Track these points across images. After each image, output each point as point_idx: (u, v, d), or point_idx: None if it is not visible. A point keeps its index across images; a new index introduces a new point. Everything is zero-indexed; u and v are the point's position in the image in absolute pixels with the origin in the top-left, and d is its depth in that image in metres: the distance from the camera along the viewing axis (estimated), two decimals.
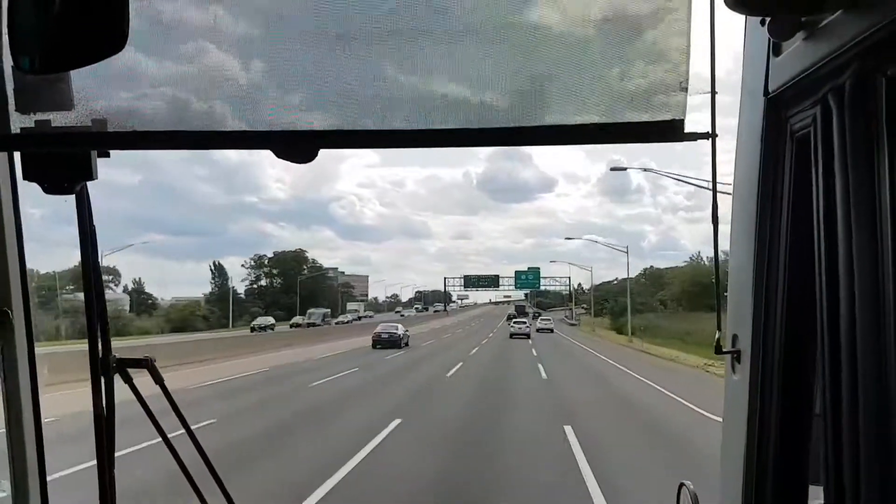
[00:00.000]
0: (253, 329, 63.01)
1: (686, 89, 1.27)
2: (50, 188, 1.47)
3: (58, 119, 1.35)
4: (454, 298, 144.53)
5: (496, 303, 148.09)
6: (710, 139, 1.31)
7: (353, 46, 1.30)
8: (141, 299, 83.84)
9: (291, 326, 69.92)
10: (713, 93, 1.34)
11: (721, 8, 1.22)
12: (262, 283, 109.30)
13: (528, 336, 55.46)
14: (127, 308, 73.37)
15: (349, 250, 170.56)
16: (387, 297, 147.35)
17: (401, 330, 42.75)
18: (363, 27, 1.29)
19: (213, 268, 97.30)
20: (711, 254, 1.68)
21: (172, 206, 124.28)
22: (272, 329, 64.09)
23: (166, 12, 1.30)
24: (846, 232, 1.09)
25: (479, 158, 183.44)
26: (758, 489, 1.46)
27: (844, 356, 1.09)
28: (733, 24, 1.41)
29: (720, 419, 1.65)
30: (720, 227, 1.41)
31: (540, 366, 29.82)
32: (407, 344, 41.69)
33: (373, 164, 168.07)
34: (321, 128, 1.34)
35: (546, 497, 9.60)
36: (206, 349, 35.03)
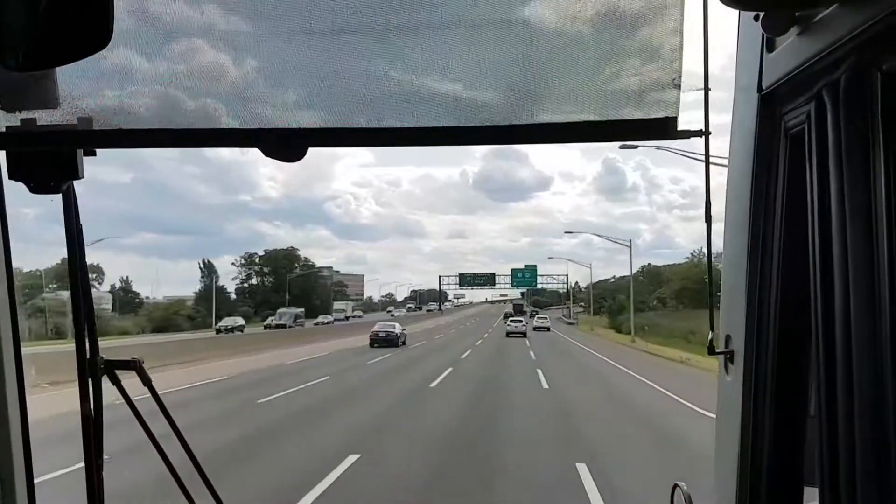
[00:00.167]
0: (218, 331, 58.86)
1: (679, 86, 1.28)
2: (36, 187, 1.47)
3: (43, 117, 1.35)
4: (450, 297, 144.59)
5: (492, 302, 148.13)
6: (704, 137, 1.32)
7: (344, 43, 1.30)
8: (128, 298, 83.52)
9: (266, 328, 64.99)
10: (706, 90, 1.34)
11: (715, 4, 1.22)
12: (253, 281, 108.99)
13: (524, 335, 55.93)
14: (109, 307, 71.73)
15: (345, 249, 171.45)
16: (382, 297, 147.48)
17: (398, 329, 43.84)
18: (354, 24, 1.29)
19: (202, 266, 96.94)
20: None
21: (165, 205, 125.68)
22: (241, 331, 60.26)
23: (153, 9, 1.30)
24: (841, 230, 1.09)
25: (475, 157, 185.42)
26: (752, 491, 1.46)
27: (839, 356, 1.09)
28: (727, 21, 1.41)
29: None
30: (714, 225, 1.42)
31: (539, 371, 26.54)
32: (404, 343, 42.60)
33: (368, 163, 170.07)
34: (311, 126, 1.34)
35: None
36: (169, 353, 29.83)
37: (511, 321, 63.24)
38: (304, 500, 8.73)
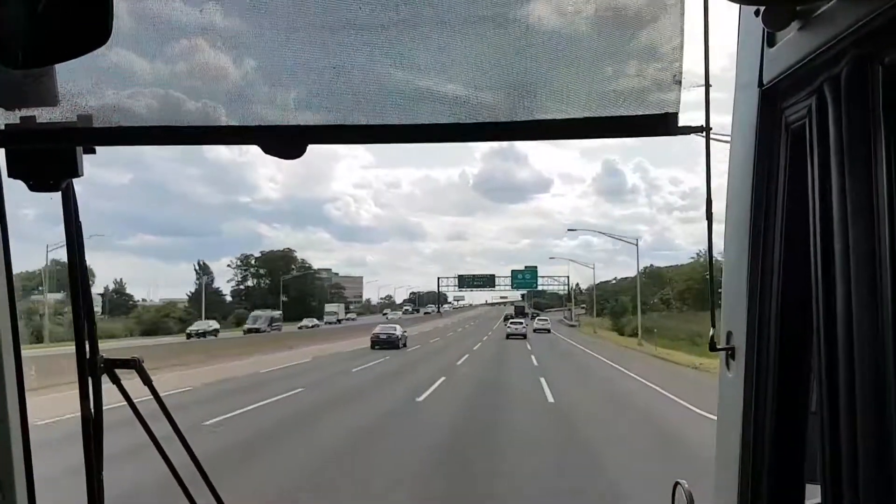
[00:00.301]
0: (189, 336, 53.80)
1: (680, 83, 1.29)
2: (35, 185, 1.47)
3: (43, 115, 1.37)
4: (450, 299, 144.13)
5: (492, 304, 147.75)
6: (704, 133, 1.33)
7: (343, 41, 1.32)
8: (121, 300, 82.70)
9: (245, 332, 60.49)
10: (707, 86, 1.36)
11: (715, 0, 1.24)
12: (249, 283, 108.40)
13: (524, 336, 55.88)
14: (99, 309, 67.48)
15: (345, 252, 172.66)
16: (381, 299, 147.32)
17: (399, 331, 44.39)
18: (353, 21, 1.30)
19: (197, 267, 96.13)
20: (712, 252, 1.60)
21: (164, 207, 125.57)
22: (215, 335, 55.39)
23: (152, 7, 1.31)
24: (842, 226, 1.10)
25: (475, 158, 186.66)
26: (753, 488, 1.47)
27: (840, 352, 1.10)
28: (728, 19, 1.45)
29: None
30: (715, 223, 1.43)
31: (543, 381, 23.34)
32: (405, 345, 43.01)
33: (368, 164, 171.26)
34: (310, 123, 1.35)
35: None
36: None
37: (511, 323, 63.59)
38: None
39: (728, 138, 1.57)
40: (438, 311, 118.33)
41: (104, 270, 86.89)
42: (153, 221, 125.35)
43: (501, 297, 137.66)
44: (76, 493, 1.67)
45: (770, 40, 1.36)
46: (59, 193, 1.52)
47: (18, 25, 1.13)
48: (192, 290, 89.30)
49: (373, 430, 14.31)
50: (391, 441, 13.17)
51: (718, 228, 1.53)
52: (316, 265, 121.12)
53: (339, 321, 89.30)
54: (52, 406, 11.51)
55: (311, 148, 1.38)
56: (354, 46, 1.31)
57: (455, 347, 43.36)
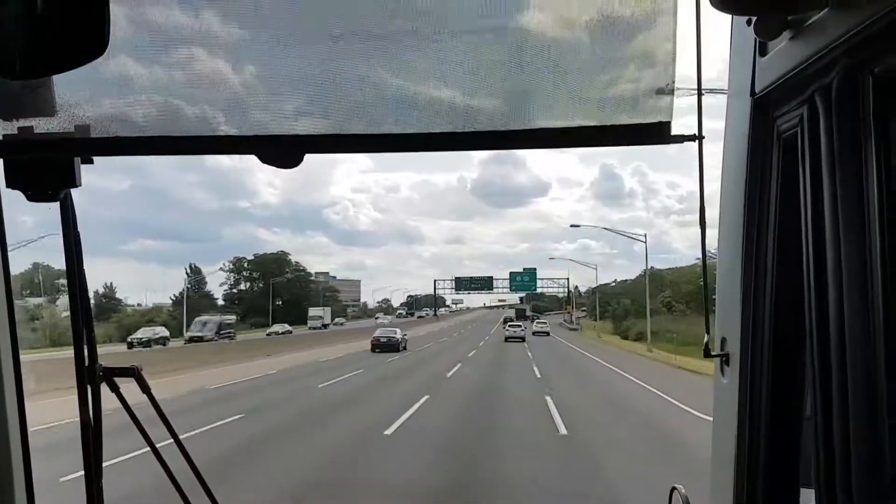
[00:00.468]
0: (130, 344, 46.03)
1: (673, 92, 1.31)
2: (34, 196, 1.49)
3: (41, 125, 1.39)
4: (448, 303, 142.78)
5: (490, 307, 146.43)
6: (697, 141, 1.35)
7: (341, 50, 1.33)
8: (109, 305, 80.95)
9: (188, 342, 50.10)
10: (699, 94, 1.38)
11: (707, 10, 1.25)
12: (242, 286, 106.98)
13: (522, 339, 55.25)
14: None
15: (344, 256, 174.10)
16: (377, 302, 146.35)
17: (399, 334, 44.17)
18: (350, 31, 1.32)
19: (188, 271, 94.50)
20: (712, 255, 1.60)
21: (164, 212, 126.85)
22: (163, 343, 48.07)
23: (150, 17, 1.33)
24: (834, 233, 1.12)
25: (473, 163, 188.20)
26: (749, 492, 1.49)
27: (834, 358, 1.11)
28: (720, 27, 1.48)
29: None
30: (708, 230, 1.44)
31: (549, 401, 18.64)
32: (405, 347, 42.80)
33: (367, 169, 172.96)
34: (308, 132, 1.38)
35: None
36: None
37: (509, 326, 63.42)
38: None
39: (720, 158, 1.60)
40: (435, 315, 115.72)
41: (104, 275, 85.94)
42: (153, 227, 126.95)
43: (500, 301, 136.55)
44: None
45: (762, 50, 1.38)
46: (58, 203, 1.54)
47: (16, 36, 1.14)
48: (175, 294, 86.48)
49: (310, 488, 9.97)
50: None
51: (713, 234, 1.56)
52: (315, 269, 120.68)
53: (324, 326, 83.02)
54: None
55: (307, 154, 1.40)
56: (352, 56, 1.34)
57: (447, 355, 39.22)
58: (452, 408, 18.32)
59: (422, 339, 52.71)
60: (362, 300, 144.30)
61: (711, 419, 1.68)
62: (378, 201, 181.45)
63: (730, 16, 1.43)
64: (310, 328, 78.36)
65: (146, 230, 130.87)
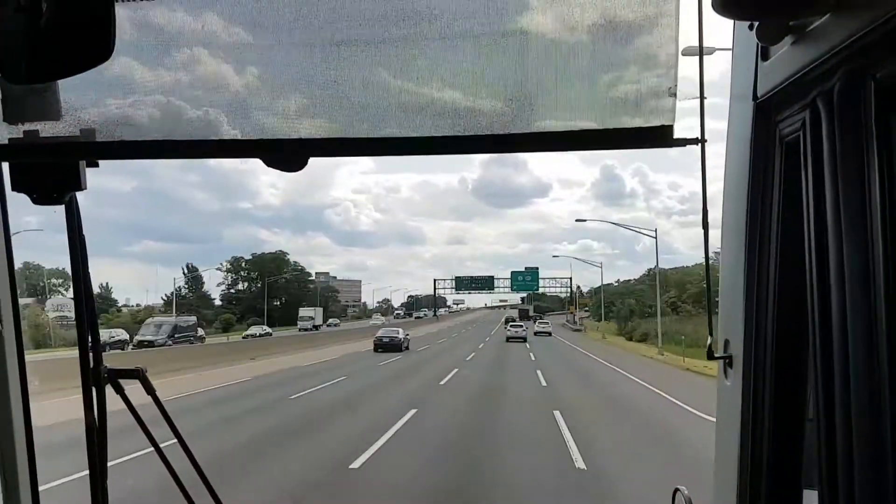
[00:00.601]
0: None
1: (675, 95, 1.33)
2: (39, 199, 1.51)
3: (46, 129, 1.41)
4: (449, 303, 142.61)
5: (492, 307, 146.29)
6: (700, 144, 1.36)
7: (344, 54, 1.35)
8: (104, 306, 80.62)
9: (137, 347, 43.63)
10: (702, 98, 1.39)
11: (709, 14, 1.26)
12: (240, 287, 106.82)
13: (524, 339, 55.03)
14: (71, 314, 61.25)
15: (345, 256, 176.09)
16: (378, 302, 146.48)
17: (401, 334, 44.45)
18: (354, 35, 1.34)
19: (185, 271, 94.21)
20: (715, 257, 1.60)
21: (168, 214, 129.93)
22: (122, 348, 43.10)
23: (154, 21, 1.35)
24: (836, 236, 1.13)
25: (474, 164, 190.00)
26: (752, 494, 1.50)
27: (837, 360, 1.13)
28: (722, 30, 1.47)
29: None
30: (711, 232, 1.46)
31: (559, 418, 15.68)
32: (408, 347, 43.12)
33: (368, 170, 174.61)
34: (312, 136, 1.39)
35: None
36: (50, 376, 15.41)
37: (511, 326, 63.68)
38: None
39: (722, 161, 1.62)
40: (435, 315, 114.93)
41: (106, 276, 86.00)
42: (157, 229, 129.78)
43: (501, 301, 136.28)
44: None
45: (764, 54, 1.40)
46: (63, 206, 1.57)
47: (21, 41, 1.14)
48: (166, 294, 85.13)
49: None
50: None
51: (716, 236, 1.57)
52: (317, 270, 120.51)
53: (315, 328, 78.24)
54: None
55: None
56: (356, 60, 1.35)
57: (444, 358, 36.66)
58: (442, 429, 15.10)
59: (419, 341, 50.48)
60: (363, 300, 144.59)
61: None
62: (379, 202, 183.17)
63: (732, 20, 1.45)
64: (300, 329, 74.91)
65: (149, 232, 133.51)
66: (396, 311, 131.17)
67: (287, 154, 1.40)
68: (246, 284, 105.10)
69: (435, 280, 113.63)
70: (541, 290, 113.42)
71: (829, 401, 1.15)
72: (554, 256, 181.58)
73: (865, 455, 1.07)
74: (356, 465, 11.23)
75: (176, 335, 46.63)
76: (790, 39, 1.28)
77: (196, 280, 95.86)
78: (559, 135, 1.38)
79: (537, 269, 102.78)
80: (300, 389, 21.80)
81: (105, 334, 48.37)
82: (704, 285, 1.62)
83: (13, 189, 1.51)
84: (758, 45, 1.40)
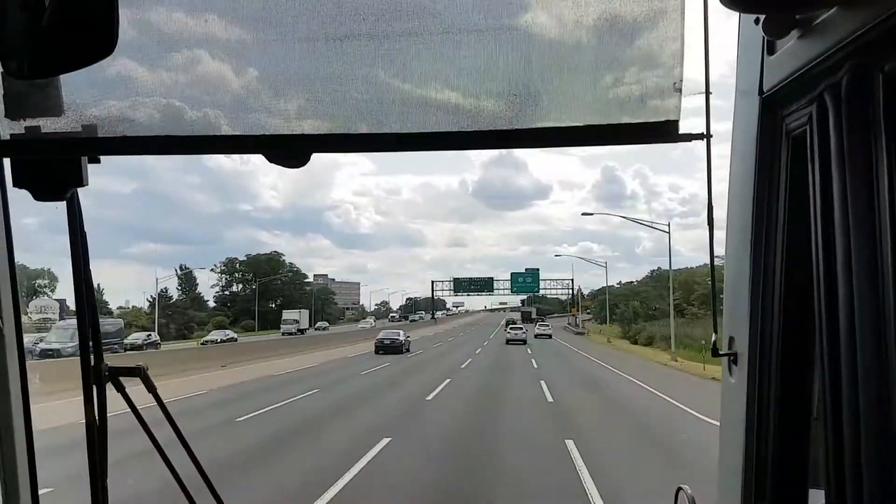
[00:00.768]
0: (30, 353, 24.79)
1: (680, 90, 1.33)
2: (40, 195, 1.53)
3: (48, 125, 1.42)
4: (448, 305, 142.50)
5: (491, 310, 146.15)
6: (705, 140, 1.37)
7: (346, 50, 1.36)
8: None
9: (41, 356, 33.62)
10: (707, 93, 1.42)
11: (715, 8, 1.27)
12: (234, 288, 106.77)
13: (524, 342, 55.08)
14: (55, 317, 51.52)
15: (345, 259, 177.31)
16: (376, 305, 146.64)
17: (402, 336, 45.63)
18: (356, 31, 1.35)
19: (178, 272, 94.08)
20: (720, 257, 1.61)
21: (168, 216, 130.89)
22: (54, 355, 32.39)
23: (156, 18, 1.36)
24: (844, 232, 1.13)
25: (475, 166, 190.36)
26: (756, 494, 1.51)
27: (843, 358, 1.13)
28: (728, 26, 1.52)
29: None
30: (716, 230, 1.48)
31: (572, 448, 12.54)
32: (408, 349, 44.02)
33: (368, 171, 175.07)
34: (314, 132, 1.40)
35: None
36: None
37: (511, 329, 64.29)
38: None
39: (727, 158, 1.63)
40: (433, 318, 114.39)
41: (108, 279, 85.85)
42: (158, 230, 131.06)
43: (501, 303, 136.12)
44: None
45: (770, 48, 1.40)
46: (64, 203, 1.58)
47: (24, 36, 1.15)
48: (151, 296, 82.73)
49: None
50: None
51: (721, 234, 1.59)
52: (317, 272, 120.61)
53: (300, 331, 73.50)
54: None
55: (312, 156, 1.43)
56: (358, 56, 1.37)
57: (436, 365, 33.97)
58: (419, 469, 11.48)
59: (413, 345, 47.79)
60: (361, 303, 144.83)
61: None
62: (380, 204, 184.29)
63: (737, 14, 1.46)
64: (283, 334, 70.36)
65: (149, 233, 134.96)
66: (392, 315, 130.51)
67: (289, 150, 1.41)
68: (241, 286, 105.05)
69: (433, 282, 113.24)
70: (541, 293, 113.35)
71: (835, 399, 1.14)
72: (556, 256, 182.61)
73: (873, 454, 1.06)
74: None
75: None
76: (797, 33, 1.29)
77: (189, 282, 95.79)
78: (563, 130, 1.38)
79: (538, 270, 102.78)
80: (256, 407, 18.06)
81: (142, 335, 49.82)
82: (710, 285, 1.61)
83: (14, 185, 1.52)
84: (764, 39, 1.40)
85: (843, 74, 1.15)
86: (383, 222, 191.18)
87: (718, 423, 1.65)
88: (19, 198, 1.57)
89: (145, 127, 1.40)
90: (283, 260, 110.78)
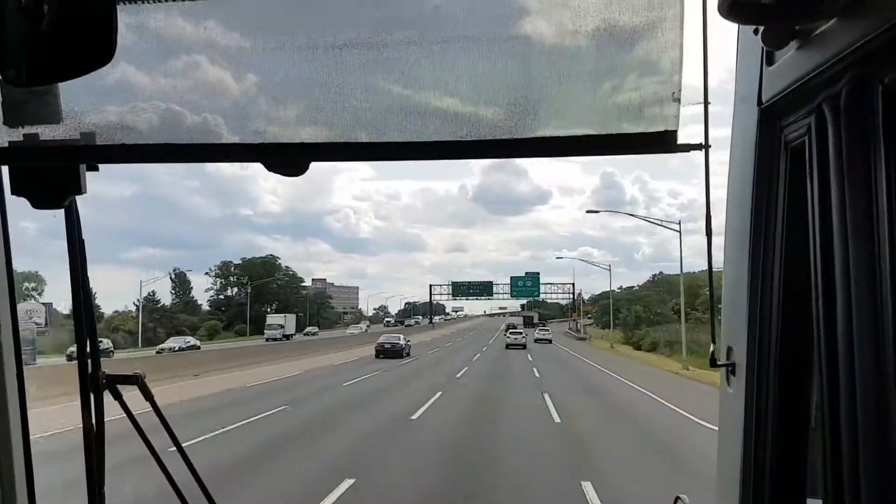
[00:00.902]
0: None
1: (679, 100, 1.34)
2: (38, 203, 1.54)
3: (46, 132, 1.43)
4: (448, 310, 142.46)
5: (491, 314, 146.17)
6: (704, 150, 1.38)
7: (345, 59, 1.38)
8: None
9: None
10: (706, 103, 1.42)
11: (714, 18, 1.29)
12: (229, 292, 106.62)
13: (524, 346, 55.37)
14: (42, 321, 48.67)
15: (345, 263, 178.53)
16: (374, 309, 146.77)
17: (402, 340, 46.45)
18: (355, 39, 1.37)
19: (173, 277, 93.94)
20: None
21: (167, 220, 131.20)
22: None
23: (155, 25, 1.37)
24: (842, 243, 1.14)
25: (474, 171, 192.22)
26: (755, 502, 1.52)
27: (841, 368, 1.14)
28: (727, 35, 1.51)
29: None
30: (714, 238, 1.50)
31: (589, 490, 10.28)
32: (408, 353, 44.77)
33: (368, 177, 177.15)
34: (313, 140, 1.42)
35: None
36: None
37: (510, 333, 64.82)
38: None
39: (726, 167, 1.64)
40: (430, 323, 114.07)
41: (105, 284, 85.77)
42: (157, 235, 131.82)
43: (500, 308, 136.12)
44: None
45: (769, 59, 1.42)
46: (62, 210, 1.59)
47: (22, 43, 1.16)
48: (137, 300, 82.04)
49: None
50: None
51: (719, 243, 1.59)
52: (316, 276, 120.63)
53: (286, 337, 71.06)
54: None
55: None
56: (358, 64, 1.38)
57: (429, 374, 32.12)
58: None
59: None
60: (360, 307, 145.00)
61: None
62: (379, 209, 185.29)
63: (736, 25, 1.47)
64: (267, 339, 67.70)
65: (148, 238, 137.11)
66: (387, 320, 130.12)
67: (289, 158, 1.42)
68: (236, 290, 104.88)
69: (431, 286, 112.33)
70: (541, 297, 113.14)
71: (833, 408, 1.16)
72: (557, 258, 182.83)
73: (870, 463, 1.08)
74: None
75: None
76: (796, 44, 1.30)
77: (183, 285, 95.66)
78: (562, 140, 1.39)
79: (538, 274, 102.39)
80: (206, 430, 15.15)
81: (180, 340, 50.61)
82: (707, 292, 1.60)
83: (13, 193, 1.53)
84: (763, 49, 1.42)
85: (842, 86, 1.16)
86: (383, 227, 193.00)
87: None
88: (17, 203, 1.59)
89: (144, 135, 1.42)
90: (279, 263, 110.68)
